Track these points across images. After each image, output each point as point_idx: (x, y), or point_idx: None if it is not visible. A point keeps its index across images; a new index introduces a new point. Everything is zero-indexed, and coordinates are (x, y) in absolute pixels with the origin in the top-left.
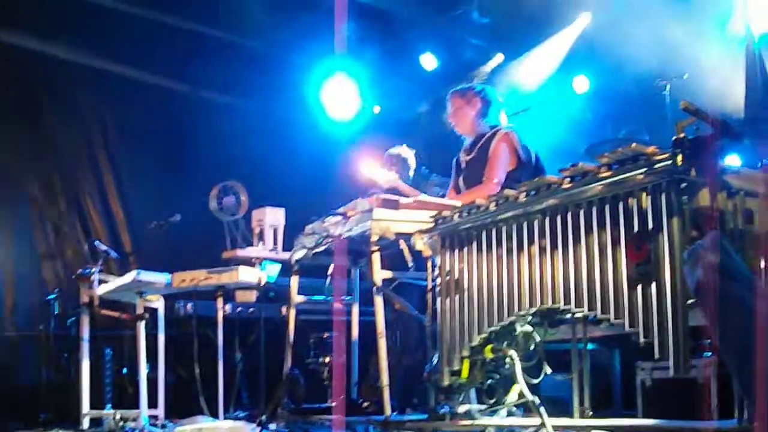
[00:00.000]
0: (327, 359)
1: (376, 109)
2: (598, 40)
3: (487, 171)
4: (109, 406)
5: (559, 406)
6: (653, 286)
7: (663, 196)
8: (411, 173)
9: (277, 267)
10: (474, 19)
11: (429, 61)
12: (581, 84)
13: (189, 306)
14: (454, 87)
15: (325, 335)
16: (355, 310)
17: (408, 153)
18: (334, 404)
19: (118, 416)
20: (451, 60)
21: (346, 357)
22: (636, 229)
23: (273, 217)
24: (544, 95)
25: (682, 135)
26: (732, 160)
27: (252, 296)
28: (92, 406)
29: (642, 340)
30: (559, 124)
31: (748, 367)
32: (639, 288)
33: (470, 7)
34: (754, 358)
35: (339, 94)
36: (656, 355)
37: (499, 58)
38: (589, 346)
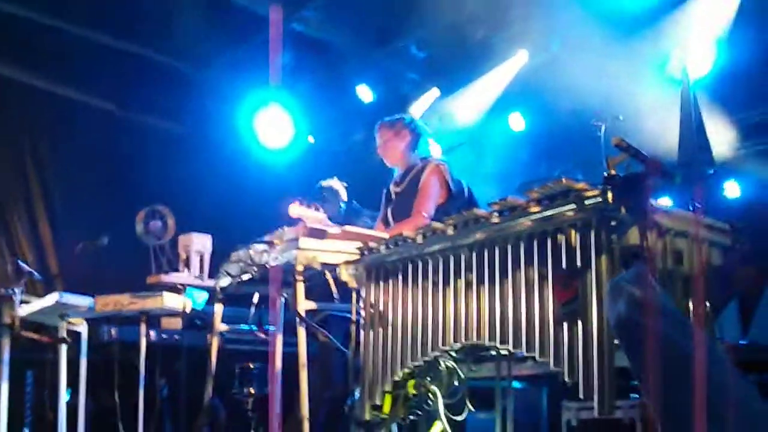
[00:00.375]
0: (252, 390)
1: (311, 139)
2: (534, 78)
3: (417, 204)
4: (26, 430)
5: None
6: (579, 324)
7: (592, 233)
8: (342, 206)
9: (205, 294)
10: (412, 52)
11: (365, 94)
12: (517, 122)
13: (113, 331)
14: (382, 119)
15: (251, 365)
16: (279, 340)
17: (339, 186)
18: None
19: None
20: (387, 92)
21: (269, 388)
22: (564, 266)
23: (200, 244)
24: (480, 131)
25: (613, 172)
26: (663, 201)
27: (178, 323)
28: (10, 430)
29: (567, 379)
30: (494, 160)
31: (675, 414)
32: (565, 326)
33: (409, 41)
34: (683, 405)
35: (273, 123)
36: (581, 395)
37: (434, 92)
38: (516, 384)
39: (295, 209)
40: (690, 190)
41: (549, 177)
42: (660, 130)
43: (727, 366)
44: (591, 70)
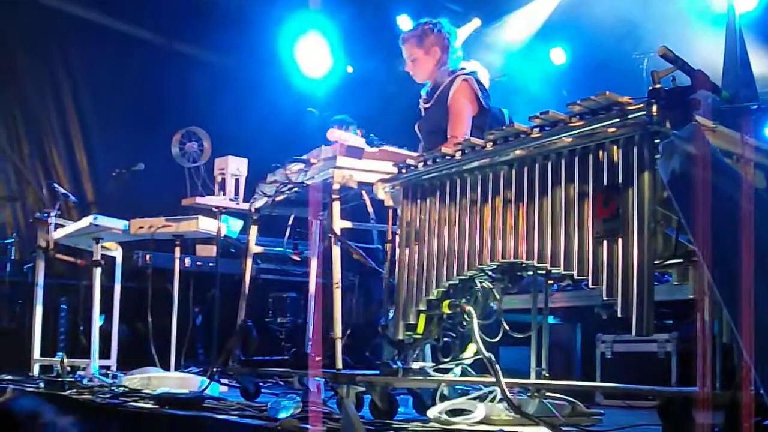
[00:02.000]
0: (285, 319)
1: (349, 69)
2: (576, 11)
3: (451, 129)
4: (61, 354)
5: (516, 377)
6: (620, 242)
7: (635, 150)
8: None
9: (240, 223)
10: None
11: (406, 24)
12: (558, 55)
13: (147, 257)
14: (408, 31)
15: (285, 295)
16: (314, 264)
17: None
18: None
19: (66, 362)
20: None
21: (302, 314)
22: (605, 182)
23: (236, 167)
24: (521, 64)
25: (658, 85)
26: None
27: (212, 251)
28: (45, 354)
29: (605, 297)
30: (534, 94)
31: (734, 275)
32: (605, 244)
33: None
34: (733, 255)
35: (312, 52)
36: (619, 313)
37: (476, 22)
38: (550, 320)
39: (335, 133)
40: (735, 121)
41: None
42: (704, 64)
43: None
44: (634, 2)
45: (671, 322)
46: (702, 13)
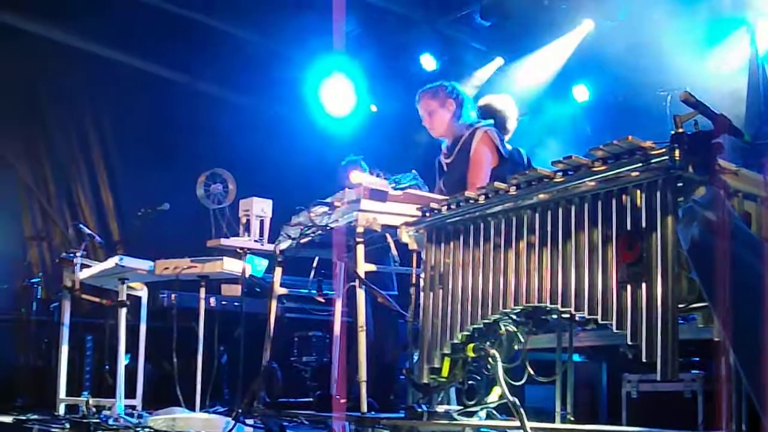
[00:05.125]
0: (310, 359)
1: (373, 108)
2: (599, 48)
3: (471, 176)
4: (86, 393)
5: (541, 416)
6: (644, 287)
7: (658, 194)
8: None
9: (265, 262)
10: (476, 21)
11: (428, 62)
12: (581, 93)
13: (173, 297)
14: (422, 89)
15: (310, 334)
16: (338, 305)
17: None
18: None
19: (91, 403)
20: (451, 61)
21: (327, 353)
22: (628, 227)
23: (260, 208)
24: (543, 102)
25: (680, 130)
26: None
27: (237, 291)
28: (70, 393)
29: (629, 342)
30: (557, 132)
31: (755, 348)
32: (629, 289)
33: (473, 9)
34: (755, 326)
35: (336, 91)
36: (643, 359)
37: (498, 61)
38: (576, 358)
39: (357, 175)
40: (758, 161)
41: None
42: (727, 101)
43: None
44: (657, 39)
45: (697, 359)
46: (727, 48)
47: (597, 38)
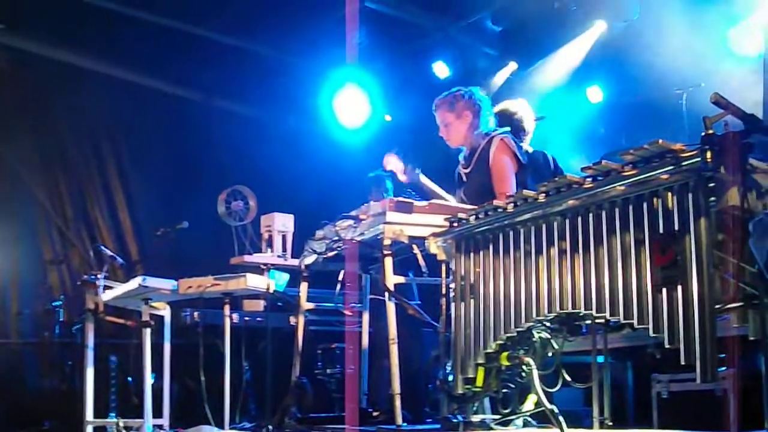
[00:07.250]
0: (335, 370)
1: (387, 118)
2: (612, 49)
3: (498, 186)
4: (113, 414)
5: (572, 419)
6: (679, 289)
7: (690, 196)
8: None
9: (287, 276)
10: (487, 27)
11: (441, 70)
12: (595, 94)
13: (196, 314)
14: (439, 98)
15: (333, 346)
16: (366, 318)
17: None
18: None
19: (121, 424)
20: (464, 68)
21: (356, 366)
22: (661, 230)
23: (282, 223)
24: (558, 104)
25: (710, 131)
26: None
27: (260, 305)
28: (97, 415)
29: (667, 345)
30: (572, 133)
31: None
32: (664, 292)
33: (484, 14)
34: None
35: (349, 102)
36: (682, 362)
37: (512, 66)
38: (600, 359)
39: (392, 161)
40: None
41: (630, 148)
42: (743, 100)
43: None
44: (671, 38)
45: (723, 356)
46: (742, 46)
47: (610, 39)
